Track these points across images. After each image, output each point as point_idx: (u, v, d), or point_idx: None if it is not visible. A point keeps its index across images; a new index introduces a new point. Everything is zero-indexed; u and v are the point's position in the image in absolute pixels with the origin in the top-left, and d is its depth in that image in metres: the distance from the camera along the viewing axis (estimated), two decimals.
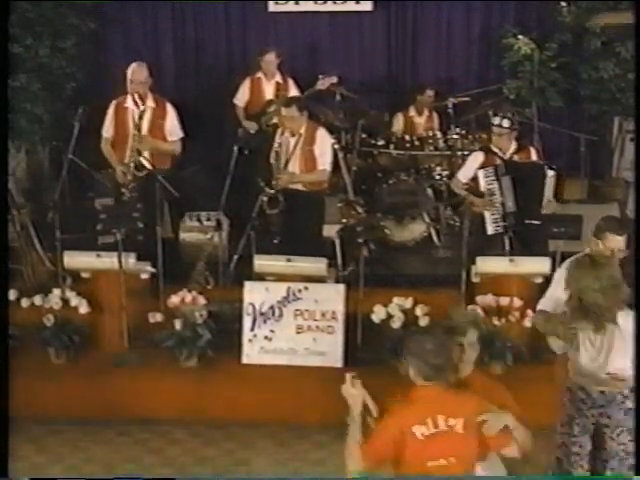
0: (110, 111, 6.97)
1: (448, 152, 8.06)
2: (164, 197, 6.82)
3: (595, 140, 8.65)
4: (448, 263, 7.39)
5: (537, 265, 6.20)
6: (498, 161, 6.44)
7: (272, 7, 8.93)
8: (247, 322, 6.25)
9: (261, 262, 6.45)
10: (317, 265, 6.42)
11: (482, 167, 6.48)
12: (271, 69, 8.09)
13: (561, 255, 5.88)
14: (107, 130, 6.98)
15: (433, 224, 7.88)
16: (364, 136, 8.17)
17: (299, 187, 6.82)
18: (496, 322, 5.98)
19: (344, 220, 7.54)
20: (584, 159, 8.61)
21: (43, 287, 6.56)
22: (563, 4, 8.50)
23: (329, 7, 8.92)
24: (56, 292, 6.37)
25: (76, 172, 7.33)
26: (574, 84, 8.73)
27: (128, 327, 6.32)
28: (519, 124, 6.70)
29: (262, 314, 6.25)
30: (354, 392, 3.69)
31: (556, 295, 4.62)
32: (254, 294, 6.27)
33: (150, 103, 6.90)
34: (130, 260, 6.37)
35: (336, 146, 7.43)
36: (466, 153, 7.65)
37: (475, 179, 6.52)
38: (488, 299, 6.12)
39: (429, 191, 7.91)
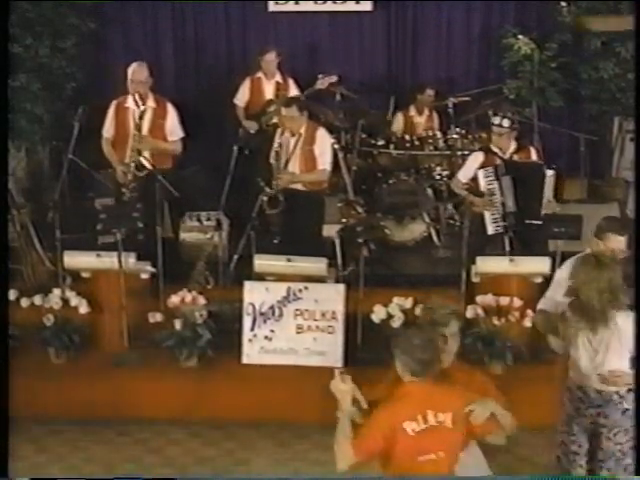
0: (111, 111, 6.96)
1: (448, 152, 8.06)
2: (164, 197, 6.82)
3: (595, 140, 8.65)
4: (448, 263, 7.39)
5: (537, 265, 6.20)
6: (498, 161, 6.44)
7: (272, 7, 8.92)
8: (247, 322, 6.25)
9: (261, 262, 6.45)
10: (317, 265, 6.42)
11: (482, 167, 6.48)
12: (271, 69, 8.08)
13: (561, 255, 5.88)
14: (107, 130, 6.97)
15: (433, 224, 7.88)
16: (364, 136, 8.17)
17: (299, 187, 6.82)
18: (496, 322, 5.99)
19: (344, 220, 7.55)
20: (584, 159, 8.61)
21: (43, 287, 6.56)
22: (563, 4, 8.50)
23: (329, 7, 8.92)
24: (56, 292, 6.37)
25: (76, 172, 7.34)
26: (574, 84, 8.72)
27: (128, 327, 6.33)
28: (519, 124, 6.71)
29: (262, 314, 6.25)
30: (343, 388, 3.72)
31: (556, 295, 4.62)
32: (254, 294, 6.27)
33: (151, 103, 6.90)
34: (130, 260, 6.37)
35: (336, 146, 7.43)
36: (466, 153, 7.64)
37: (475, 179, 6.52)
38: (488, 299, 6.12)
39: (429, 191, 7.91)
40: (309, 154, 6.77)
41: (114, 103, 6.98)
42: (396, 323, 6.01)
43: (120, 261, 6.24)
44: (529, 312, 5.87)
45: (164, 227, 7.15)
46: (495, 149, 6.52)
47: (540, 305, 4.78)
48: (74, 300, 6.33)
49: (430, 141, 8.12)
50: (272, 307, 6.25)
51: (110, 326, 6.41)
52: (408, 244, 7.80)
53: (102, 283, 6.48)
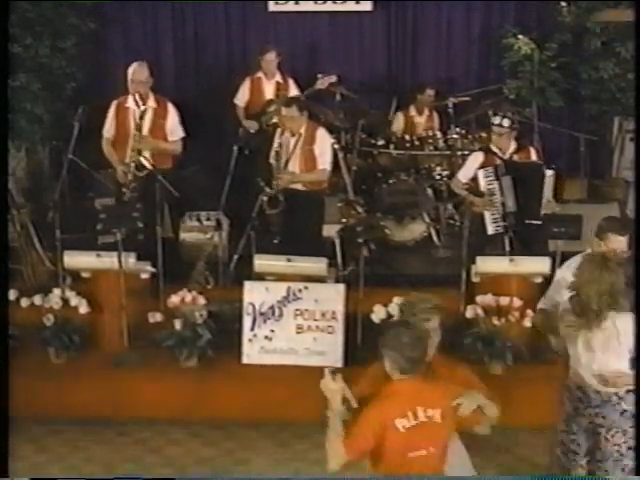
0: (111, 111, 6.96)
1: (448, 152, 8.06)
2: (164, 197, 6.81)
3: (595, 140, 8.65)
4: (448, 263, 7.39)
5: (537, 265, 6.20)
6: (498, 161, 6.44)
7: (272, 7, 8.93)
8: (247, 322, 6.25)
9: (261, 262, 6.45)
10: (317, 265, 6.42)
11: (482, 167, 6.48)
12: (271, 69, 8.08)
13: (561, 255, 5.88)
14: (108, 130, 6.97)
15: (433, 224, 7.88)
16: (364, 136, 8.17)
17: (299, 187, 6.82)
18: (496, 322, 5.99)
19: (344, 220, 7.55)
20: (584, 159, 8.61)
21: (43, 287, 6.55)
22: (563, 4, 8.50)
23: (329, 7, 8.92)
24: (56, 292, 6.37)
25: (76, 172, 7.34)
26: (574, 84, 8.73)
27: (128, 327, 6.32)
28: (519, 124, 6.71)
29: (262, 314, 6.25)
30: (333, 387, 3.73)
31: (557, 294, 4.63)
32: (254, 294, 6.27)
33: (151, 103, 6.90)
34: (130, 260, 6.37)
35: (336, 146, 7.43)
36: (466, 153, 7.64)
37: (475, 179, 6.52)
38: (488, 299, 6.11)
39: (429, 191, 7.91)
40: (309, 154, 6.77)
41: (114, 103, 6.98)
42: None
43: (120, 261, 6.23)
44: (529, 312, 5.87)
45: (164, 227, 7.15)
46: (495, 149, 6.52)
47: (540, 305, 4.79)
48: (74, 300, 6.33)
49: (430, 141, 8.11)
50: (272, 307, 6.25)
51: (110, 326, 6.41)
52: (408, 244, 7.80)
53: (102, 283, 6.48)
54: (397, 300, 6.14)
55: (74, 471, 5.48)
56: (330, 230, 7.22)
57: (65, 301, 6.33)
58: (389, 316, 6.08)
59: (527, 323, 5.91)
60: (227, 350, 6.24)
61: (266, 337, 6.24)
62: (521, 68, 8.64)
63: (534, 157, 6.67)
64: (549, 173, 6.39)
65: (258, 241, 6.70)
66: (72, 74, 8.63)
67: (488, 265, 6.31)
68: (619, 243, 4.55)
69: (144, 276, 6.51)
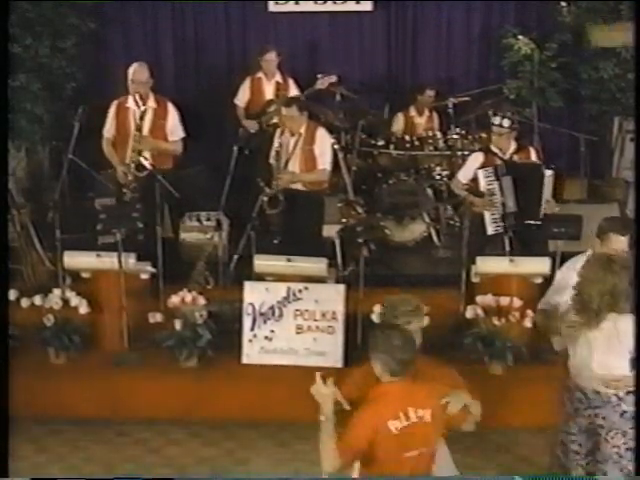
0: (111, 111, 6.96)
1: (448, 152, 8.06)
2: (164, 197, 6.81)
3: (595, 140, 8.65)
4: (448, 263, 7.40)
5: (537, 265, 6.20)
6: (498, 161, 6.44)
7: (272, 7, 8.93)
8: (247, 322, 6.25)
9: (261, 262, 6.45)
10: (317, 265, 6.41)
11: (482, 167, 6.48)
12: (271, 69, 8.09)
13: (561, 255, 5.88)
14: (108, 130, 6.97)
15: (433, 224, 7.88)
16: (364, 136, 8.17)
17: (299, 187, 6.82)
18: (496, 322, 5.98)
19: (344, 220, 7.54)
20: (584, 159, 8.61)
21: (43, 287, 6.55)
22: (563, 4, 8.50)
23: (329, 7, 8.92)
24: (56, 292, 6.37)
25: (76, 172, 7.34)
26: (574, 84, 8.73)
27: (128, 327, 6.32)
28: (519, 124, 6.71)
29: (262, 314, 6.25)
30: (325, 391, 3.75)
31: (558, 294, 4.63)
32: (254, 294, 6.27)
33: (152, 103, 6.90)
34: (130, 260, 6.36)
35: (336, 146, 7.43)
36: (466, 153, 7.65)
37: (475, 179, 6.52)
38: (488, 299, 6.11)
39: (429, 191, 7.91)
40: (309, 154, 6.77)
41: (115, 103, 6.97)
42: None
43: (120, 261, 6.23)
44: (529, 312, 5.87)
45: (164, 227, 7.15)
46: (495, 149, 6.52)
47: (541, 305, 4.79)
48: (74, 300, 6.32)
49: (430, 141, 8.11)
50: (272, 307, 6.24)
51: (110, 326, 6.41)
52: (408, 244, 7.80)
53: (102, 283, 6.48)
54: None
55: (74, 471, 5.48)
56: (330, 230, 7.22)
57: (65, 301, 6.32)
58: None
59: (527, 323, 5.91)
60: (227, 350, 6.24)
61: (266, 337, 6.24)
62: (521, 68, 8.64)
63: (534, 157, 6.67)
64: (548, 173, 6.39)
65: (258, 241, 6.70)
66: (72, 74, 8.62)
67: (488, 265, 6.32)
68: (620, 243, 4.54)
69: (144, 276, 6.51)
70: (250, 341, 6.25)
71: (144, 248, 6.55)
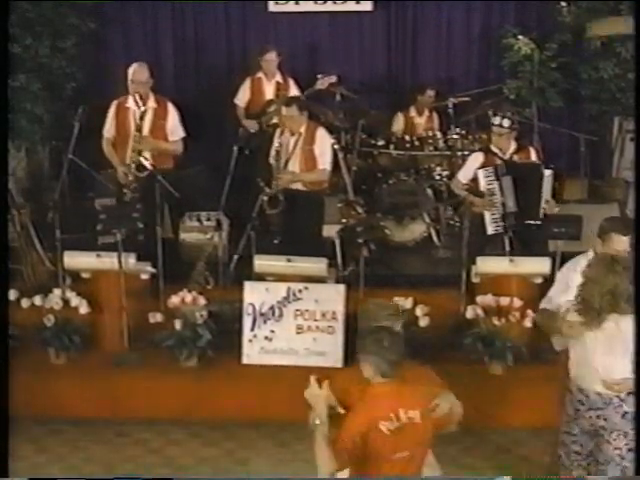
0: (111, 111, 6.96)
1: (448, 152, 8.05)
2: (164, 197, 6.81)
3: (595, 140, 8.65)
4: (448, 263, 7.39)
5: (537, 265, 6.20)
6: (498, 161, 6.44)
7: (272, 7, 8.92)
8: (247, 322, 6.25)
9: (261, 262, 6.45)
10: (317, 265, 6.42)
11: (482, 167, 6.48)
12: (272, 69, 8.08)
13: (561, 255, 5.88)
14: (108, 130, 6.97)
15: (433, 224, 7.87)
16: (364, 136, 8.16)
17: (299, 187, 6.82)
18: (496, 322, 5.99)
19: (344, 220, 7.54)
20: (584, 159, 8.61)
21: (43, 287, 6.56)
22: (563, 4, 8.50)
23: (329, 7, 8.92)
24: (56, 292, 6.37)
25: (76, 172, 7.34)
26: (574, 84, 8.73)
27: (128, 327, 6.32)
28: (519, 124, 6.71)
29: (262, 314, 6.25)
30: (319, 394, 3.78)
31: (559, 294, 4.62)
32: (254, 294, 6.27)
33: (152, 103, 6.89)
34: (130, 260, 6.37)
35: (336, 146, 7.42)
36: (466, 153, 7.64)
37: (475, 179, 6.52)
38: (488, 299, 6.12)
39: (429, 191, 7.90)
40: (309, 154, 6.77)
41: (115, 103, 6.97)
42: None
43: (120, 261, 6.24)
44: (529, 312, 5.88)
45: (164, 227, 7.15)
46: (495, 149, 6.52)
47: (542, 304, 4.78)
48: (74, 300, 6.33)
49: (430, 141, 8.11)
50: (272, 307, 6.25)
51: (110, 326, 6.41)
52: (408, 244, 7.80)
53: (102, 283, 6.48)
54: (397, 300, 6.14)
55: (74, 471, 5.48)
56: (330, 230, 7.22)
57: (65, 301, 6.33)
58: None
59: (527, 323, 5.91)
60: (227, 350, 6.24)
61: (266, 337, 6.24)
62: (521, 68, 8.64)
63: (534, 157, 6.67)
64: (548, 173, 6.39)
65: (258, 241, 6.70)
66: (72, 74, 8.62)
67: (488, 265, 6.32)
68: (622, 243, 4.53)
69: (144, 276, 6.51)
70: (250, 341, 6.25)
71: (144, 248, 6.55)
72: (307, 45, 9.04)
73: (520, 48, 8.56)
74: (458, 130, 8.09)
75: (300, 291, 6.24)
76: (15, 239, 6.88)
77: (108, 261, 6.34)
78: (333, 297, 6.22)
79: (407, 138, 8.15)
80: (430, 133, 8.21)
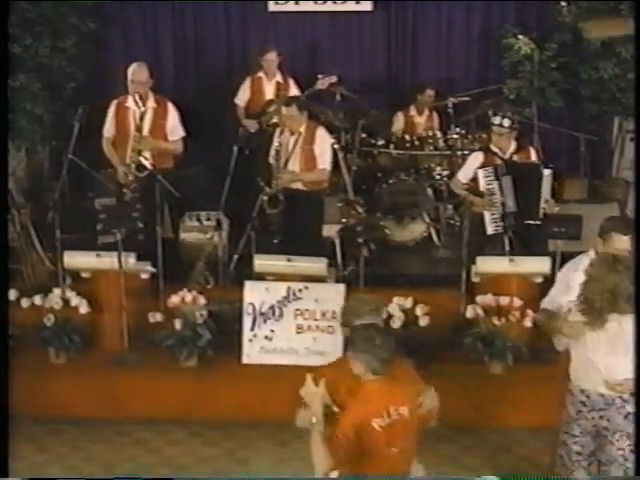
0: (111, 111, 6.96)
1: (448, 152, 8.06)
2: (164, 197, 6.81)
3: (595, 140, 8.65)
4: (448, 263, 7.39)
5: (537, 265, 6.20)
6: (498, 161, 6.44)
7: (272, 7, 8.93)
8: (247, 322, 6.25)
9: (261, 262, 6.45)
10: (317, 265, 6.42)
11: (482, 167, 6.48)
12: (272, 68, 8.09)
13: (561, 255, 5.88)
14: (108, 130, 6.97)
15: (433, 224, 7.88)
16: (364, 136, 8.17)
17: (299, 186, 6.82)
18: (496, 322, 5.98)
19: (344, 220, 7.54)
20: (584, 159, 8.61)
21: (43, 287, 6.55)
22: (563, 4, 8.50)
23: (329, 7, 8.93)
24: (56, 292, 6.37)
25: (76, 172, 7.34)
26: (574, 84, 8.73)
27: (128, 327, 6.32)
28: (519, 124, 6.71)
29: (262, 314, 6.25)
30: (315, 392, 3.78)
31: (559, 294, 4.62)
32: (254, 294, 6.27)
33: (151, 103, 6.89)
34: (130, 260, 6.37)
35: (336, 146, 7.43)
36: (466, 153, 7.64)
37: (475, 179, 6.52)
38: (488, 299, 6.12)
39: (429, 191, 7.91)
40: (309, 153, 6.77)
41: (114, 103, 6.97)
42: (396, 323, 6.00)
43: (120, 261, 6.24)
44: (529, 312, 5.87)
45: (164, 227, 7.15)
46: (495, 149, 6.52)
47: (543, 304, 4.78)
48: (74, 300, 6.33)
49: (430, 141, 8.11)
50: (272, 307, 6.24)
51: (110, 326, 6.41)
52: (408, 244, 7.80)
53: (102, 283, 6.48)
54: (397, 300, 6.15)
55: (74, 471, 5.47)
56: (330, 230, 7.22)
57: (65, 301, 6.33)
58: (389, 316, 6.07)
59: (527, 323, 5.91)
60: (227, 350, 6.23)
61: (266, 337, 6.24)
62: (521, 68, 8.64)
63: (534, 157, 6.67)
64: (547, 172, 6.39)
65: (258, 241, 6.70)
66: (72, 74, 8.63)
67: (488, 265, 6.32)
68: (623, 243, 4.53)
69: (144, 276, 6.51)
70: (250, 341, 6.25)
71: (144, 248, 6.56)
72: (307, 45, 9.04)
73: (520, 48, 8.57)
74: (458, 130, 8.09)
75: (300, 291, 6.24)
76: (15, 239, 6.88)
77: (108, 261, 6.34)
78: (333, 297, 6.22)
79: (407, 138, 8.15)
80: (430, 133, 8.22)
